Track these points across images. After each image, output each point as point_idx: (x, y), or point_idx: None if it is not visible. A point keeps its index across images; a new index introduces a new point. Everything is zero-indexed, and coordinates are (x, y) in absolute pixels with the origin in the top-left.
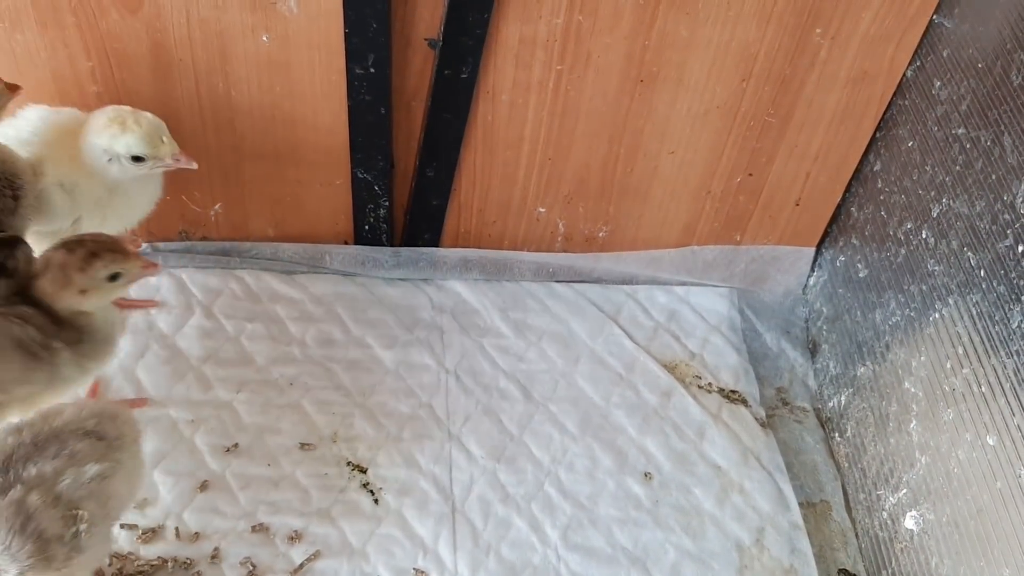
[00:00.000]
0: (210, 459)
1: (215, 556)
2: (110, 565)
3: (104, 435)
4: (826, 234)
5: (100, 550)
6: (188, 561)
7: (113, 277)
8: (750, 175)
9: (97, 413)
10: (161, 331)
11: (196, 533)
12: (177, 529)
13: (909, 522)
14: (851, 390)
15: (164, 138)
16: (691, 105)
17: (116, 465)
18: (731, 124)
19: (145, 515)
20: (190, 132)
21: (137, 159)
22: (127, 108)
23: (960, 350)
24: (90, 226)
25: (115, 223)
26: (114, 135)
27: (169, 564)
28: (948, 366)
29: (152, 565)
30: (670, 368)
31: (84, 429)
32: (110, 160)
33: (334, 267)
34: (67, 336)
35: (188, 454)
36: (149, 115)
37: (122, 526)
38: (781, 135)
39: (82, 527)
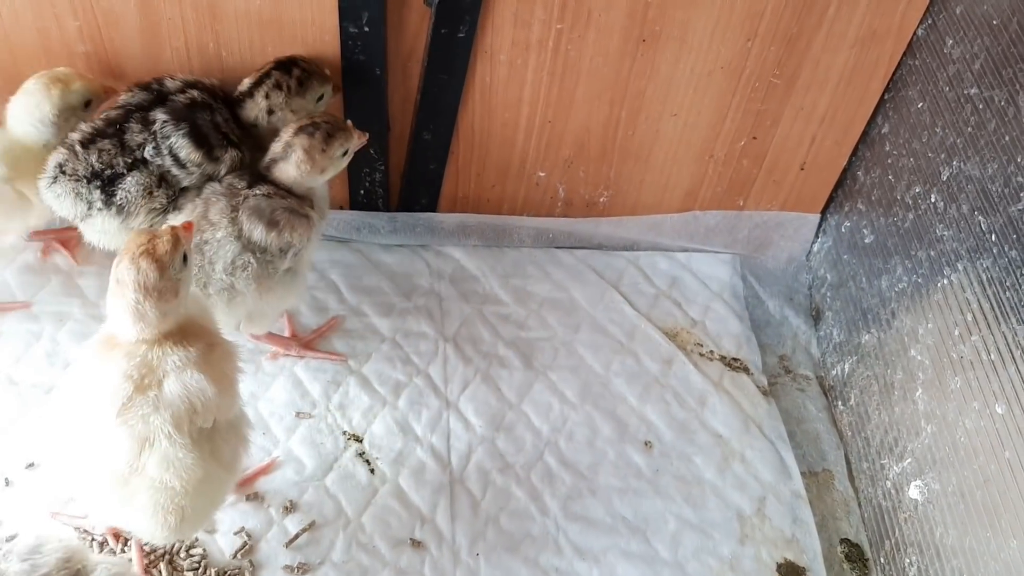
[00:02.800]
0: None
1: (209, 527)
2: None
3: None
4: (831, 199)
5: None
6: None
7: (344, 153)
8: (754, 138)
9: None
10: None
11: None
12: None
13: (914, 492)
14: (855, 358)
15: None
16: (695, 65)
17: None
18: (735, 85)
19: None
20: None
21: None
22: None
23: (969, 317)
24: None
25: None
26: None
27: None
28: (956, 333)
29: None
30: (671, 336)
31: None
32: None
33: (329, 233)
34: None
35: None
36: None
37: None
38: (787, 97)
39: None
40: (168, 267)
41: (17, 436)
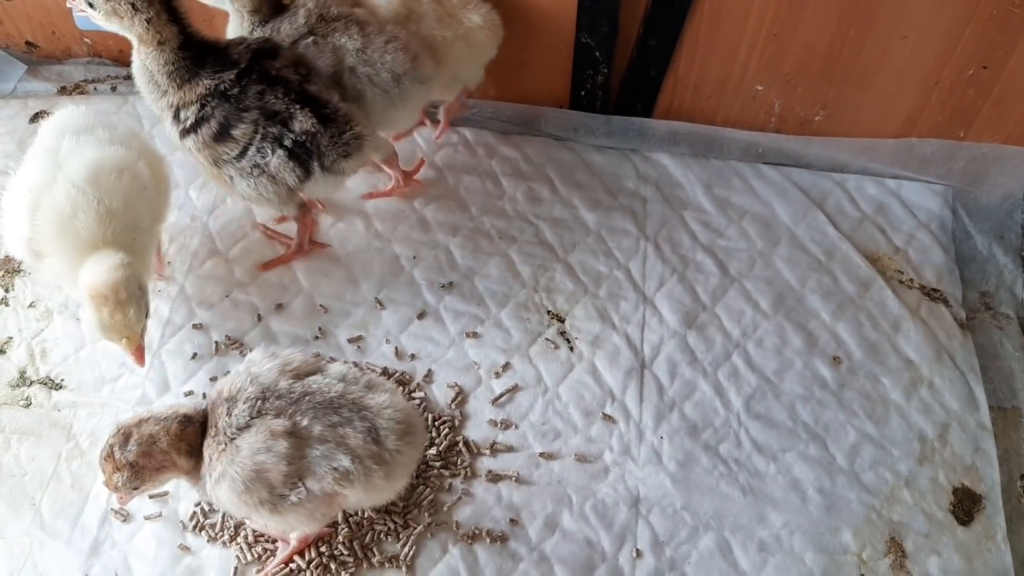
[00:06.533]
0: (427, 292)
1: (428, 376)
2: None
3: (382, 442)
4: None
5: (304, 518)
6: (407, 376)
7: None
8: (984, 68)
9: (400, 416)
10: (390, 175)
11: (412, 354)
12: (396, 348)
13: None
14: None
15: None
16: None
17: (364, 475)
18: (972, 12)
19: (368, 332)
20: None
21: None
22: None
23: None
24: None
25: None
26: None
27: (392, 376)
28: None
29: (376, 372)
30: (872, 260)
31: (373, 423)
32: None
33: (548, 131)
34: None
35: (407, 285)
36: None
37: (349, 340)
38: None
39: (293, 498)
40: None
41: (270, 282)
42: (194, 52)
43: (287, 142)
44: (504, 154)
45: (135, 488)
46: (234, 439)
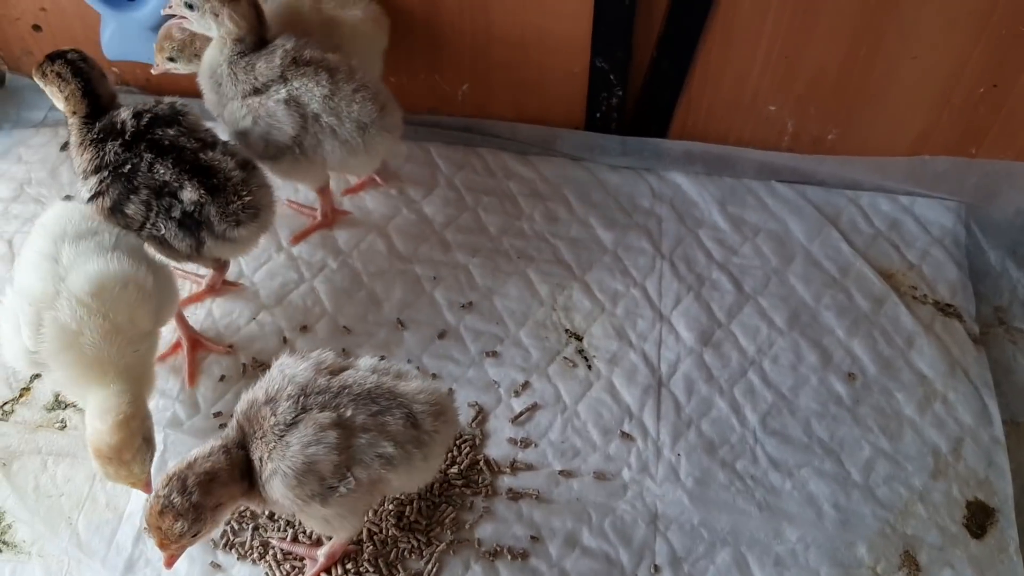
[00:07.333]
0: (447, 312)
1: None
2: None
3: (420, 425)
4: None
5: (348, 509)
6: None
7: None
8: (995, 87)
9: (432, 399)
10: (410, 197)
11: (434, 374)
12: (418, 368)
13: None
14: None
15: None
16: (941, 8)
17: (406, 459)
18: (981, 32)
19: (391, 352)
20: (448, 16)
21: None
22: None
23: None
24: None
25: None
26: None
27: None
28: None
29: None
30: (886, 276)
31: (410, 409)
32: None
33: (564, 151)
34: None
35: (429, 306)
36: None
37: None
38: None
39: (342, 489)
40: None
41: (295, 304)
42: (93, 123)
43: (176, 213)
44: (521, 175)
45: (195, 535)
46: (283, 436)
